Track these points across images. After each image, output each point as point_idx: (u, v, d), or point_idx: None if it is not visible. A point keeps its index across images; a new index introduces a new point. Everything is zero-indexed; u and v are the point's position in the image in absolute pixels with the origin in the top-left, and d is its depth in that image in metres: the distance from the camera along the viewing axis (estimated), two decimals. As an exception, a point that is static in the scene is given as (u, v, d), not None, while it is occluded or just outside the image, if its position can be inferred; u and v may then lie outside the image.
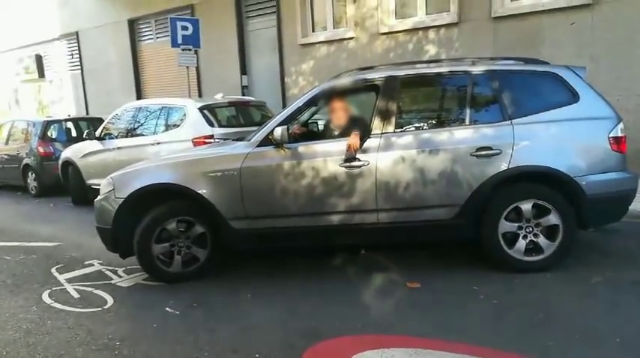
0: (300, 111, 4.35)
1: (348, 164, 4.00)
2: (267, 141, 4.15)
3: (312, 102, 4.38)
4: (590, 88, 4.10)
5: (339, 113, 4.38)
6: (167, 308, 3.73)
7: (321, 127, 4.60)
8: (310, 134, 4.63)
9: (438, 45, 7.98)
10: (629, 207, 4.21)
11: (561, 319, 3.21)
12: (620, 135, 4.00)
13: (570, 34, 6.78)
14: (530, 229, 3.99)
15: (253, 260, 4.70)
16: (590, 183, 3.92)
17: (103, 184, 4.48)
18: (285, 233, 4.21)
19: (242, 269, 4.55)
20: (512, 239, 4.00)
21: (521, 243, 3.99)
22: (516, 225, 3.99)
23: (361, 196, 4.03)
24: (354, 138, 3.98)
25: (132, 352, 3.08)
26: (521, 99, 4.08)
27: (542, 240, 3.98)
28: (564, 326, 3.10)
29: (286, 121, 4.19)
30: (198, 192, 4.13)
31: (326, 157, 4.07)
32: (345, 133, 4.17)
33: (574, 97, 4.04)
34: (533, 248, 4.01)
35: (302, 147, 4.14)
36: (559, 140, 4.01)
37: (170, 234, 4.22)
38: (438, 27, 7.96)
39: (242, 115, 7.64)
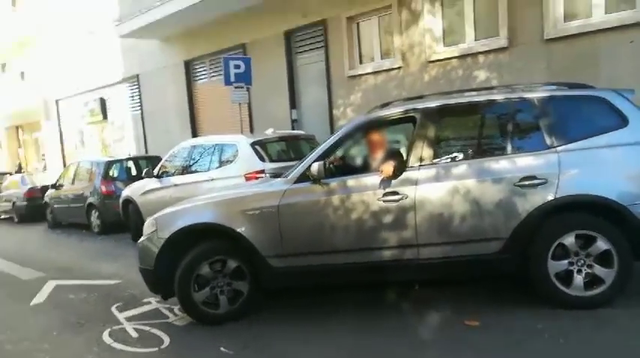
0: (336, 146, 4.32)
1: (386, 198, 3.93)
2: (304, 177, 4.14)
3: (347, 137, 4.35)
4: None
5: (375, 146, 4.36)
6: (221, 348, 3.74)
7: (358, 161, 4.59)
8: (348, 168, 4.57)
9: (488, 70, 7.81)
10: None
11: (637, 362, 2.97)
12: None
13: (629, 53, 6.48)
14: (582, 261, 3.75)
15: (302, 297, 4.65)
16: None
17: (147, 225, 4.55)
18: (323, 270, 4.13)
19: (291, 307, 4.53)
20: (566, 277, 3.77)
21: (578, 279, 3.76)
22: (566, 261, 3.76)
23: (400, 231, 3.93)
24: (387, 166, 3.97)
25: (186, 394, 3.10)
26: (566, 126, 3.91)
27: (598, 269, 3.73)
28: (641, 371, 2.86)
29: (323, 156, 4.17)
30: (237, 230, 4.13)
31: (363, 191, 4.02)
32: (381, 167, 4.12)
33: (622, 122, 3.84)
34: (592, 280, 3.76)
35: (339, 182, 4.10)
36: (608, 166, 3.80)
37: (206, 278, 4.19)
38: (488, 52, 7.81)
39: (292, 149, 7.75)
